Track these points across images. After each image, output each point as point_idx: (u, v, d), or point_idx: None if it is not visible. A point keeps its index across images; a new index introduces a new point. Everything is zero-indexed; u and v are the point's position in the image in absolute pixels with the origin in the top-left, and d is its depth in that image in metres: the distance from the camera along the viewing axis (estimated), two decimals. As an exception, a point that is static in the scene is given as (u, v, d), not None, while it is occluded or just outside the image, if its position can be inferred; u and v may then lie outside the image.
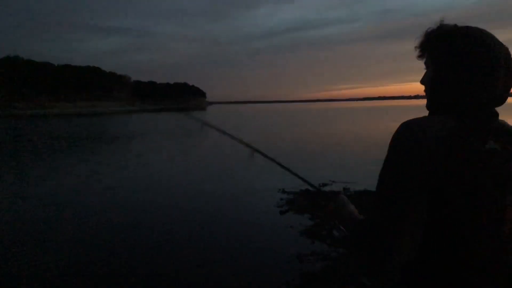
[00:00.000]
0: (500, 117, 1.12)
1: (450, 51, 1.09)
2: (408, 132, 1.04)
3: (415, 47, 1.21)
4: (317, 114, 61.61)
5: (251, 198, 8.13)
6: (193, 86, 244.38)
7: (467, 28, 1.10)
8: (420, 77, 1.22)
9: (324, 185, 8.86)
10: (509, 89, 1.11)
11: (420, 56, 1.21)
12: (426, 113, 1.18)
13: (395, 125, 1.10)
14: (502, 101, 1.11)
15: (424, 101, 1.23)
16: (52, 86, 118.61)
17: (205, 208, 7.41)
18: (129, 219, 6.76)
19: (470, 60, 1.05)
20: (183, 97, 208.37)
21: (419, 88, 1.24)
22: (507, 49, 1.09)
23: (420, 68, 1.24)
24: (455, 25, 1.12)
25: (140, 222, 6.60)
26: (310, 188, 1.59)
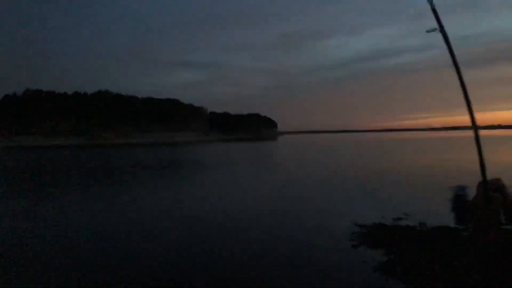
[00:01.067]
0: None
1: None
2: None
3: None
4: (393, 145, 59.36)
5: (323, 231, 8.11)
6: (265, 116, 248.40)
7: None
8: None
9: (399, 219, 8.66)
10: None
11: None
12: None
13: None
14: None
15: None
16: (136, 117, 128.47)
17: (277, 241, 7.55)
18: (202, 248, 7.20)
19: None
20: (255, 127, 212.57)
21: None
22: None
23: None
24: None
25: (214, 253, 6.95)
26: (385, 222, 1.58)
